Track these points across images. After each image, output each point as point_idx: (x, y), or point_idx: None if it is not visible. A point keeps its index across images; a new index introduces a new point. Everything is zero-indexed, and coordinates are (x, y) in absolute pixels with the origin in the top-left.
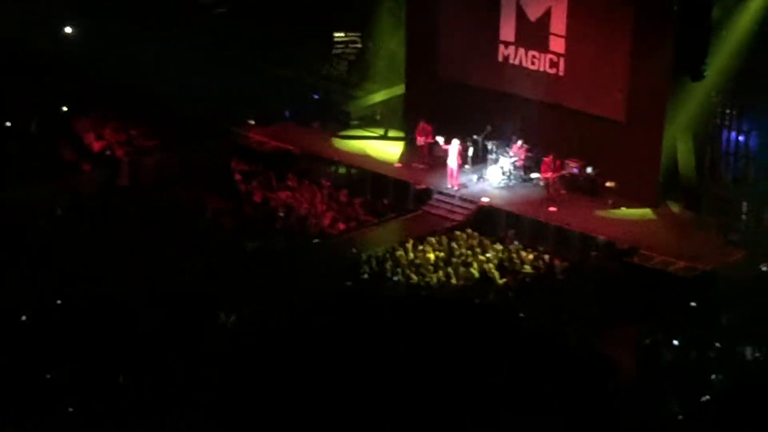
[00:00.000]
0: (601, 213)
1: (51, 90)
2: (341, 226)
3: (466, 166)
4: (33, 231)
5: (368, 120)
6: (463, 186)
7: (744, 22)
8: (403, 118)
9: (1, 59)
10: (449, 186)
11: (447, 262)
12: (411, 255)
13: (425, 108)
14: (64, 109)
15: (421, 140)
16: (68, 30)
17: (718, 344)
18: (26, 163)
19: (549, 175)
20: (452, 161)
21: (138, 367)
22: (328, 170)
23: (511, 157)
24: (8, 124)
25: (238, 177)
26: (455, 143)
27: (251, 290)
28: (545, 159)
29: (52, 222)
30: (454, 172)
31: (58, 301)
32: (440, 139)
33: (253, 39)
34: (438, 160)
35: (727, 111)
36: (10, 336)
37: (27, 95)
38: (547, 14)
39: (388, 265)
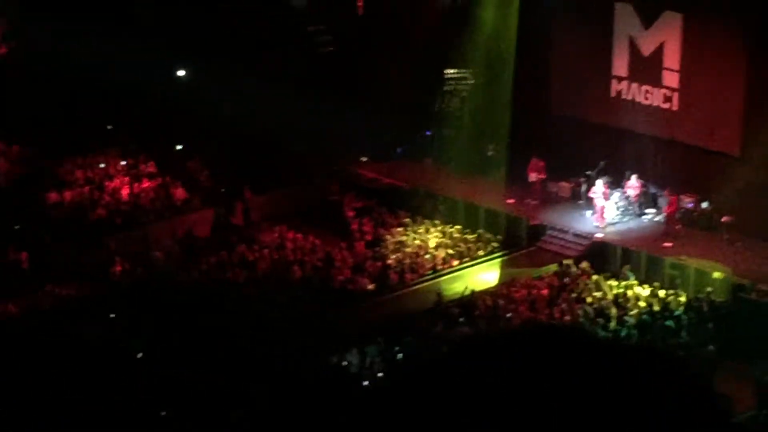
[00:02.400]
0: (717, 248)
1: (165, 130)
2: (453, 262)
3: (580, 202)
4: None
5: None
6: (608, 224)
7: None
8: (510, 153)
9: (115, 96)
10: (596, 224)
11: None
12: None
13: (534, 143)
14: (178, 148)
15: (533, 176)
16: (181, 73)
17: None
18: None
19: (669, 210)
20: (599, 201)
21: None
22: (439, 206)
23: (624, 192)
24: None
25: (350, 213)
26: (600, 182)
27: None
28: (666, 194)
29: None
30: (601, 211)
31: None
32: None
33: (366, 76)
34: (549, 196)
35: None
36: None
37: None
38: (661, 48)
39: (501, 301)
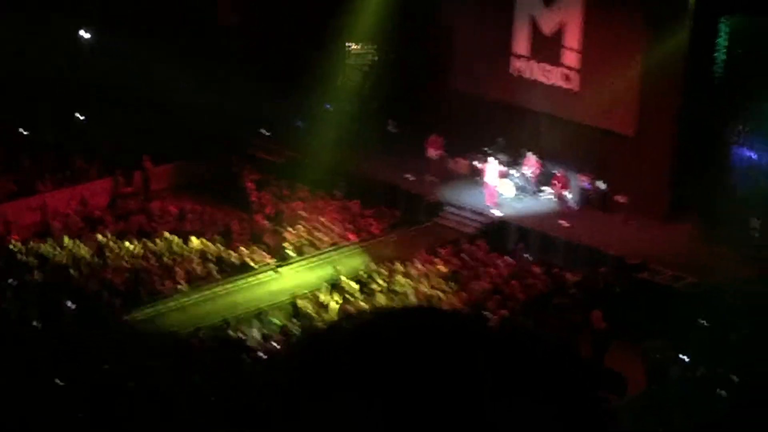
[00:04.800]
0: (612, 228)
1: (68, 96)
2: (351, 236)
3: (478, 179)
4: None
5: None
6: (497, 205)
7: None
8: (410, 129)
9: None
10: (488, 204)
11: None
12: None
13: (433, 120)
14: (79, 117)
15: (432, 153)
16: (85, 35)
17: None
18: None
19: (558, 189)
20: (491, 179)
21: None
22: (339, 181)
23: (522, 170)
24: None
25: (250, 185)
26: (493, 161)
27: None
28: (556, 173)
29: None
30: (492, 191)
31: None
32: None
33: (269, 49)
34: (448, 173)
35: (739, 127)
36: None
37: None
38: (561, 28)
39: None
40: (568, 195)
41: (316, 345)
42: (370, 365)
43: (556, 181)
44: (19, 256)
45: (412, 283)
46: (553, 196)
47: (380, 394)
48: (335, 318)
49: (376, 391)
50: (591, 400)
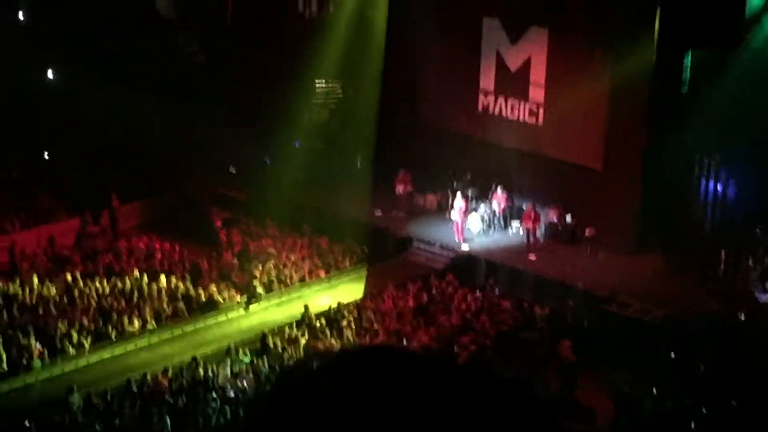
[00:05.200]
0: (580, 261)
1: (36, 135)
2: (321, 273)
3: (447, 215)
4: None
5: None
6: (468, 240)
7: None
8: (377, 165)
9: None
10: (456, 239)
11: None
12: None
13: (402, 155)
14: (46, 156)
15: (400, 189)
16: (50, 74)
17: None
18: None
19: (529, 224)
20: (456, 215)
21: None
22: (307, 217)
23: (491, 204)
24: None
25: (218, 223)
26: (459, 198)
27: None
28: (526, 208)
29: None
30: (459, 227)
31: None
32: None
33: (237, 86)
34: (416, 209)
35: (706, 160)
36: None
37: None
38: (528, 63)
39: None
40: (537, 228)
41: (283, 384)
42: (335, 404)
43: (526, 216)
44: None
45: (381, 319)
46: (521, 231)
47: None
48: (302, 355)
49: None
50: None
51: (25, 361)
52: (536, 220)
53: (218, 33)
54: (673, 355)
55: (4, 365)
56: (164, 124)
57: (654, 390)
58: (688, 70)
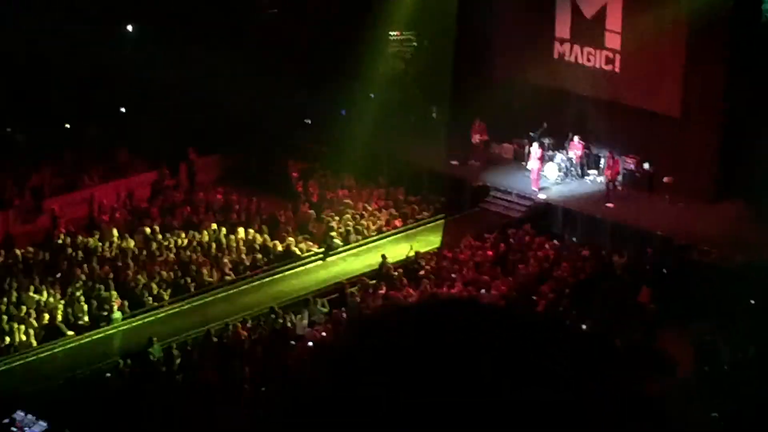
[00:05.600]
0: (658, 209)
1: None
2: (397, 223)
3: (523, 163)
4: None
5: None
6: (544, 189)
7: None
8: (453, 115)
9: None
10: (533, 189)
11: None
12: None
13: (477, 105)
14: (123, 110)
15: (476, 138)
16: (129, 28)
17: None
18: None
19: (608, 172)
20: (533, 163)
21: None
22: (383, 168)
23: (567, 153)
24: (67, 126)
25: (294, 175)
26: (535, 146)
27: None
28: (605, 156)
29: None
30: (536, 175)
31: None
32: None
33: (309, 39)
34: (493, 158)
35: None
36: None
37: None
38: (603, 10)
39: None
40: (615, 177)
41: (365, 337)
42: (413, 356)
43: (610, 164)
44: (68, 250)
45: (458, 269)
46: (598, 179)
47: (419, 382)
48: (380, 306)
49: (416, 379)
50: (626, 387)
51: (105, 313)
52: (613, 167)
53: None
54: (753, 302)
55: (86, 317)
56: (238, 77)
57: (735, 338)
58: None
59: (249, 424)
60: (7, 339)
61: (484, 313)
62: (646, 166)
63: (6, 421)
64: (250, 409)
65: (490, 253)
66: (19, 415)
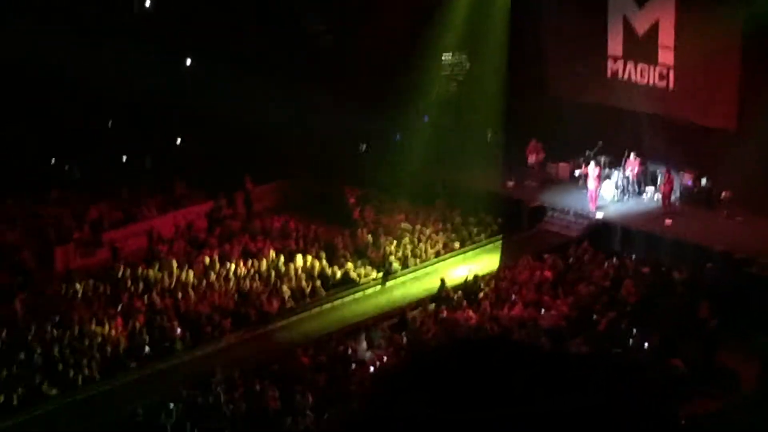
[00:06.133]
0: (717, 224)
1: (167, 123)
2: (456, 246)
3: (580, 183)
4: None
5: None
6: (602, 207)
7: None
8: (507, 136)
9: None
10: (591, 207)
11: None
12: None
13: (532, 126)
14: (178, 142)
15: (532, 158)
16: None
17: None
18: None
19: (665, 188)
20: (590, 183)
21: None
22: (440, 192)
23: (624, 171)
24: (124, 158)
25: (352, 201)
26: (592, 165)
27: None
28: (662, 173)
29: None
30: (593, 194)
31: None
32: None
33: (362, 65)
34: (549, 177)
35: None
36: None
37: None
38: (655, 27)
39: (503, 284)
40: (672, 192)
41: (417, 359)
42: (457, 381)
43: (666, 180)
44: (128, 282)
45: (518, 290)
46: (656, 196)
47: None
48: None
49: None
50: (656, 417)
51: (168, 344)
52: (670, 184)
53: (343, 11)
54: None
55: (147, 348)
56: (293, 105)
57: None
58: None
59: None
60: (71, 372)
61: (515, 353)
62: (703, 181)
63: None
64: None
65: (548, 272)
66: None
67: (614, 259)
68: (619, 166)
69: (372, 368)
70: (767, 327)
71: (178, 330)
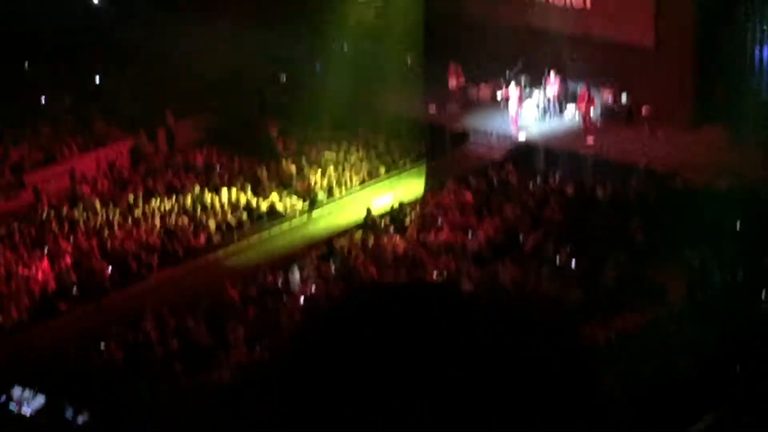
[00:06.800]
0: (639, 140)
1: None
2: (380, 173)
3: (501, 105)
4: None
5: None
6: (522, 129)
7: None
8: (427, 61)
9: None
10: (513, 129)
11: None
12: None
13: (451, 50)
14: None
15: (453, 82)
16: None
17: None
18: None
19: (584, 107)
20: (513, 105)
21: None
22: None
23: (544, 92)
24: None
25: (274, 131)
26: (512, 86)
27: None
28: (580, 92)
29: None
30: (515, 116)
31: None
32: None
33: None
34: (470, 100)
35: (760, 26)
36: None
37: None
38: None
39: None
40: (592, 111)
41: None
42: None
43: (581, 99)
44: (52, 224)
45: (444, 214)
46: (577, 115)
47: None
48: (370, 257)
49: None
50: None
51: (95, 284)
52: (591, 102)
53: None
54: (739, 225)
55: (75, 289)
56: (208, 37)
57: (724, 262)
58: None
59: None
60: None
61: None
62: (623, 98)
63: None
64: (245, 368)
65: (473, 196)
66: (17, 391)
67: (538, 180)
68: (540, 86)
69: (302, 299)
70: (692, 240)
71: (107, 269)
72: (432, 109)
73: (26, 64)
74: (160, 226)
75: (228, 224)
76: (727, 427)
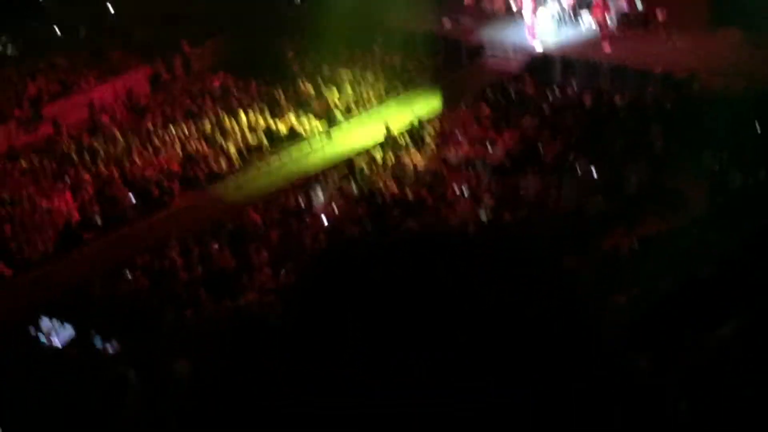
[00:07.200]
0: (655, 45)
1: None
2: (398, 90)
3: (517, 16)
4: None
5: None
6: (538, 39)
7: None
8: None
9: None
10: (529, 40)
11: None
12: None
13: None
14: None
15: None
16: None
17: None
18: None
19: (599, 14)
20: (527, 16)
21: None
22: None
23: (560, 1)
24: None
25: (291, 54)
26: None
27: None
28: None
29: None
30: (530, 27)
31: None
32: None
33: None
34: (485, 13)
35: None
36: None
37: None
38: None
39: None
40: (608, 19)
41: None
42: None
43: (595, 6)
44: (72, 155)
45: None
46: (592, 23)
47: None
48: (391, 175)
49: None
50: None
51: (119, 213)
52: (606, 9)
53: None
54: (758, 128)
55: (99, 219)
56: None
57: (745, 164)
58: None
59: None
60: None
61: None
62: (638, 3)
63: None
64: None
65: (491, 109)
66: (45, 322)
67: (556, 90)
68: None
69: (324, 221)
70: (712, 146)
71: (130, 198)
72: (447, 23)
73: None
74: (181, 153)
75: (248, 147)
76: (750, 331)
